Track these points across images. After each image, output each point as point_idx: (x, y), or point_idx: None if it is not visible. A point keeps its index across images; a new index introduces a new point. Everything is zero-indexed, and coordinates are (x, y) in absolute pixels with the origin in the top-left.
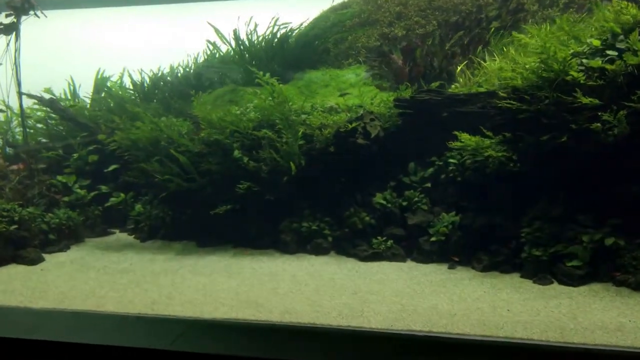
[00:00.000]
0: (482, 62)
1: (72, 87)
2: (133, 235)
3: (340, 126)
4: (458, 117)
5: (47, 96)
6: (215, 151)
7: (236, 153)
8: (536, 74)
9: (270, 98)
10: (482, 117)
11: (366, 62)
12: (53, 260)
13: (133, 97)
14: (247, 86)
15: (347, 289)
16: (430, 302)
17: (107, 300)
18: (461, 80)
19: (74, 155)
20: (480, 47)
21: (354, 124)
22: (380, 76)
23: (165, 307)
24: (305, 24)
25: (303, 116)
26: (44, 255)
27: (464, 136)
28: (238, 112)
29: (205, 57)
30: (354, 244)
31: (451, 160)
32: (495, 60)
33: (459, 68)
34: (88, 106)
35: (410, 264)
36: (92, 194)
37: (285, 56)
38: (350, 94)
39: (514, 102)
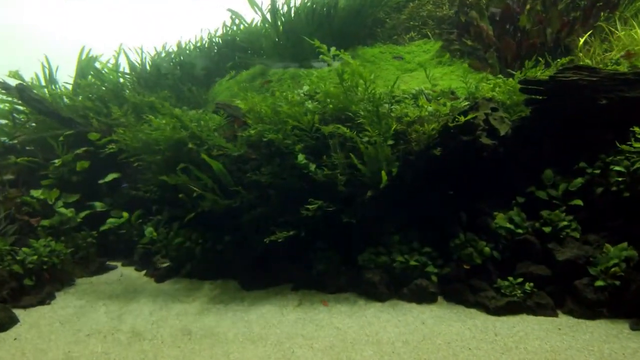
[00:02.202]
0: (614, 31)
1: (47, 71)
2: (144, 272)
3: (448, 119)
4: (624, 105)
5: (13, 82)
6: (267, 156)
7: (300, 158)
8: None
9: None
10: None
11: (439, 36)
12: (32, 319)
13: (133, 83)
14: (281, 67)
15: None
16: None
17: None
18: (581, 55)
19: (55, 161)
20: (604, 13)
21: (470, 116)
22: (462, 53)
23: None
24: None
25: (396, 106)
26: (18, 312)
27: None
28: (299, 98)
29: (226, 30)
30: (473, 287)
31: (615, 168)
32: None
33: (581, 40)
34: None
35: (567, 320)
36: (83, 214)
37: (332, 28)
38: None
39: None
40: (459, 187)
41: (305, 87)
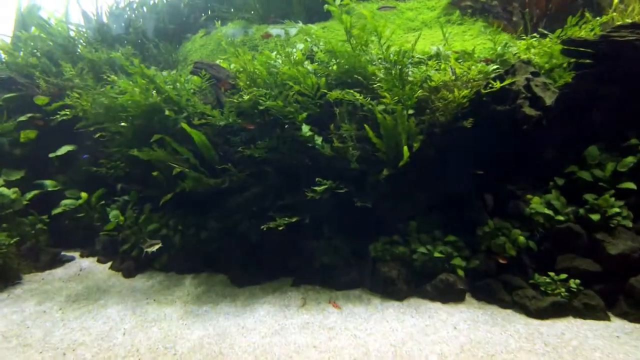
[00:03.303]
0: None
1: None
2: (109, 264)
3: (480, 85)
4: None
5: None
6: (262, 126)
7: (305, 130)
8: None
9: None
10: None
11: None
12: None
13: (87, 37)
14: (264, 23)
15: None
16: None
17: None
18: (615, 15)
19: None
20: None
21: (507, 81)
22: (474, 10)
23: None
24: None
25: (414, 69)
26: None
27: None
28: (302, 56)
29: None
30: (506, 283)
31: None
32: None
33: None
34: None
35: (623, 325)
36: (30, 195)
37: None
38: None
39: None
40: (486, 165)
41: (300, 46)
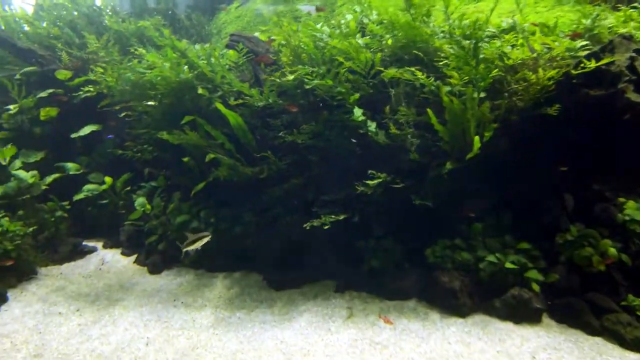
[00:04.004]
0: None
1: None
2: (133, 257)
3: (569, 65)
4: None
5: None
6: (307, 108)
7: (357, 114)
8: None
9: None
10: None
11: None
12: None
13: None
14: None
15: None
16: None
17: None
18: None
19: (10, 107)
20: None
21: (604, 60)
22: None
23: None
24: None
25: (494, 43)
26: None
27: None
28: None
29: None
30: (593, 303)
31: None
32: None
33: None
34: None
35: None
36: (50, 179)
37: None
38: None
39: None
40: (570, 160)
41: (349, 17)
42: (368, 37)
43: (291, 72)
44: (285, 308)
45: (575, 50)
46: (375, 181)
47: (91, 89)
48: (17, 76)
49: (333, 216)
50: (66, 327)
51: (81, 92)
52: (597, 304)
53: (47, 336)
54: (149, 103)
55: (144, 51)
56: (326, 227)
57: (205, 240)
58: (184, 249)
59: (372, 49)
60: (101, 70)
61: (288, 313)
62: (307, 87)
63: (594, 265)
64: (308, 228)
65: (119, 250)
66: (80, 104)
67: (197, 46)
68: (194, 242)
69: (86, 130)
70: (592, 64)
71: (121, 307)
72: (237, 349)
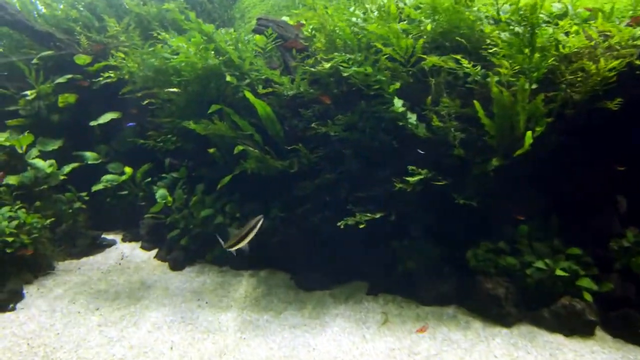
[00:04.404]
0: None
1: None
2: (154, 252)
3: (634, 54)
4: None
5: None
6: (341, 99)
7: (397, 105)
8: None
9: None
10: None
11: None
12: None
13: None
14: None
15: None
16: None
17: None
18: None
19: (27, 93)
20: None
21: None
22: None
23: None
24: None
25: (546, 29)
26: None
27: None
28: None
29: None
30: None
31: None
32: None
33: None
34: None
35: None
36: (68, 168)
37: None
38: None
39: None
40: (626, 159)
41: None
42: (404, 22)
43: (326, 60)
44: (315, 311)
45: (637, 38)
46: (416, 177)
47: (112, 75)
48: (34, 60)
49: (369, 214)
50: (85, 328)
51: (101, 78)
52: None
53: (65, 338)
54: (173, 90)
55: (167, 36)
56: (362, 227)
57: (257, 228)
58: (231, 249)
59: (411, 35)
60: (122, 55)
61: (319, 317)
62: (345, 74)
63: None
64: (342, 227)
65: (138, 244)
66: (99, 91)
67: (222, 30)
68: (243, 237)
69: (106, 117)
70: None
71: (143, 307)
72: (267, 356)
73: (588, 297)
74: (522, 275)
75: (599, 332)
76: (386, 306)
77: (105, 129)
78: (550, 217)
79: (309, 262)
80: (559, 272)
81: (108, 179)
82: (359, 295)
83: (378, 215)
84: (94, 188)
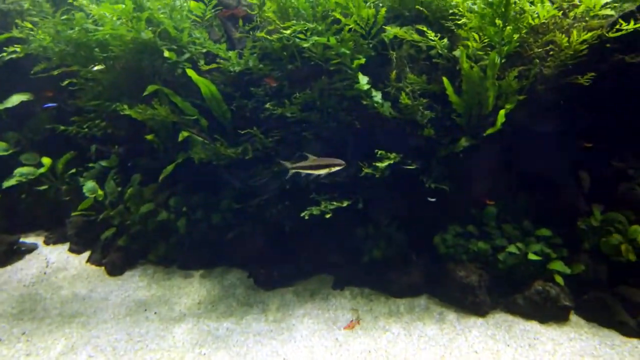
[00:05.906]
0: None
1: None
2: (86, 256)
3: (603, 27)
4: None
5: None
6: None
7: (362, 81)
8: None
9: None
10: None
11: None
12: None
13: None
14: None
15: None
16: None
17: None
18: None
19: None
20: None
21: None
22: None
23: None
24: None
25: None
26: None
27: None
28: None
29: None
30: (625, 299)
31: None
32: None
33: None
34: None
35: None
36: None
37: None
38: None
39: None
40: (594, 136)
41: None
42: None
43: (279, 31)
44: (280, 313)
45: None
46: (385, 162)
47: (18, 49)
48: None
49: (335, 202)
50: None
51: (4, 54)
52: (630, 299)
53: None
54: (97, 68)
55: (85, 1)
56: (328, 216)
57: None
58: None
59: (373, 3)
60: (30, 25)
61: (285, 320)
62: (303, 46)
63: (623, 255)
64: (307, 218)
65: (65, 247)
66: (3, 68)
67: None
68: (313, 167)
69: (14, 100)
70: (631, 26)
71: (79, 325)
72: None
73: (560, 280)
74: (494, 260)
75: (573, 317)
76: (355, 301)
77: (13, 114)
78: (517, 197)
79: (267, 256)
80: (531, 257)
81: (22, 172)
82: (324, 290)
83: (345, 204)
84: (6, 184)
